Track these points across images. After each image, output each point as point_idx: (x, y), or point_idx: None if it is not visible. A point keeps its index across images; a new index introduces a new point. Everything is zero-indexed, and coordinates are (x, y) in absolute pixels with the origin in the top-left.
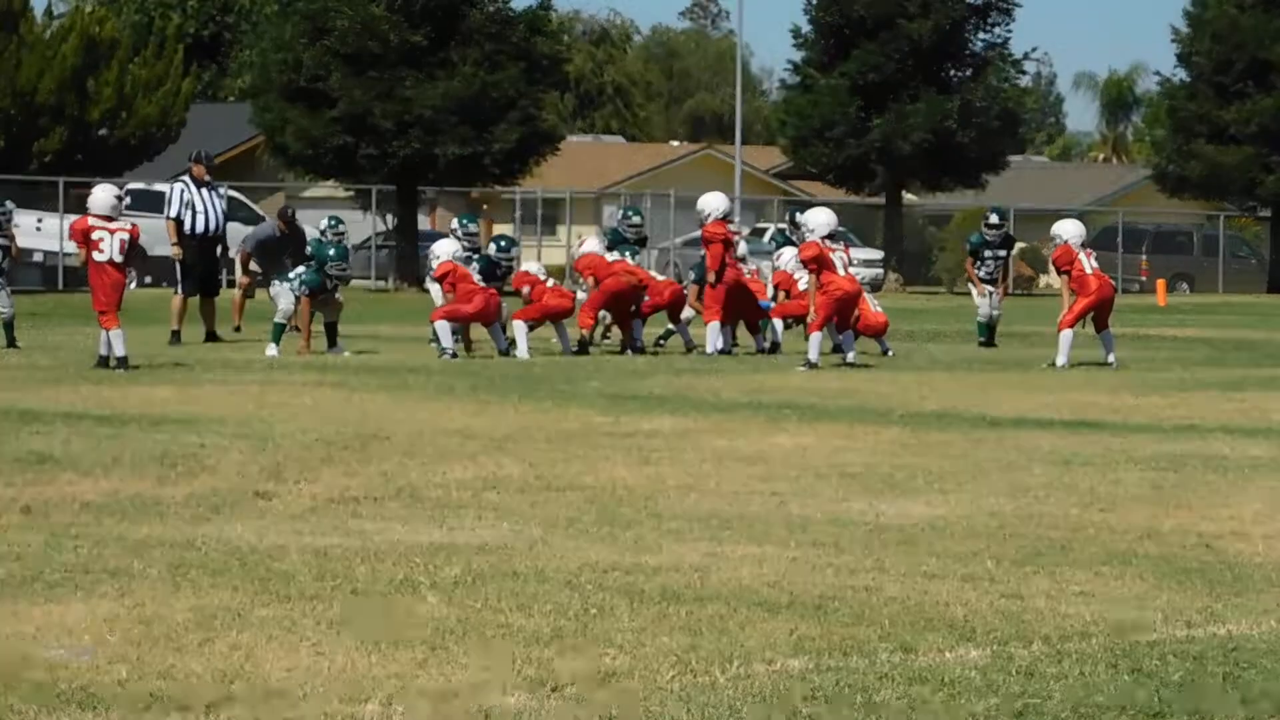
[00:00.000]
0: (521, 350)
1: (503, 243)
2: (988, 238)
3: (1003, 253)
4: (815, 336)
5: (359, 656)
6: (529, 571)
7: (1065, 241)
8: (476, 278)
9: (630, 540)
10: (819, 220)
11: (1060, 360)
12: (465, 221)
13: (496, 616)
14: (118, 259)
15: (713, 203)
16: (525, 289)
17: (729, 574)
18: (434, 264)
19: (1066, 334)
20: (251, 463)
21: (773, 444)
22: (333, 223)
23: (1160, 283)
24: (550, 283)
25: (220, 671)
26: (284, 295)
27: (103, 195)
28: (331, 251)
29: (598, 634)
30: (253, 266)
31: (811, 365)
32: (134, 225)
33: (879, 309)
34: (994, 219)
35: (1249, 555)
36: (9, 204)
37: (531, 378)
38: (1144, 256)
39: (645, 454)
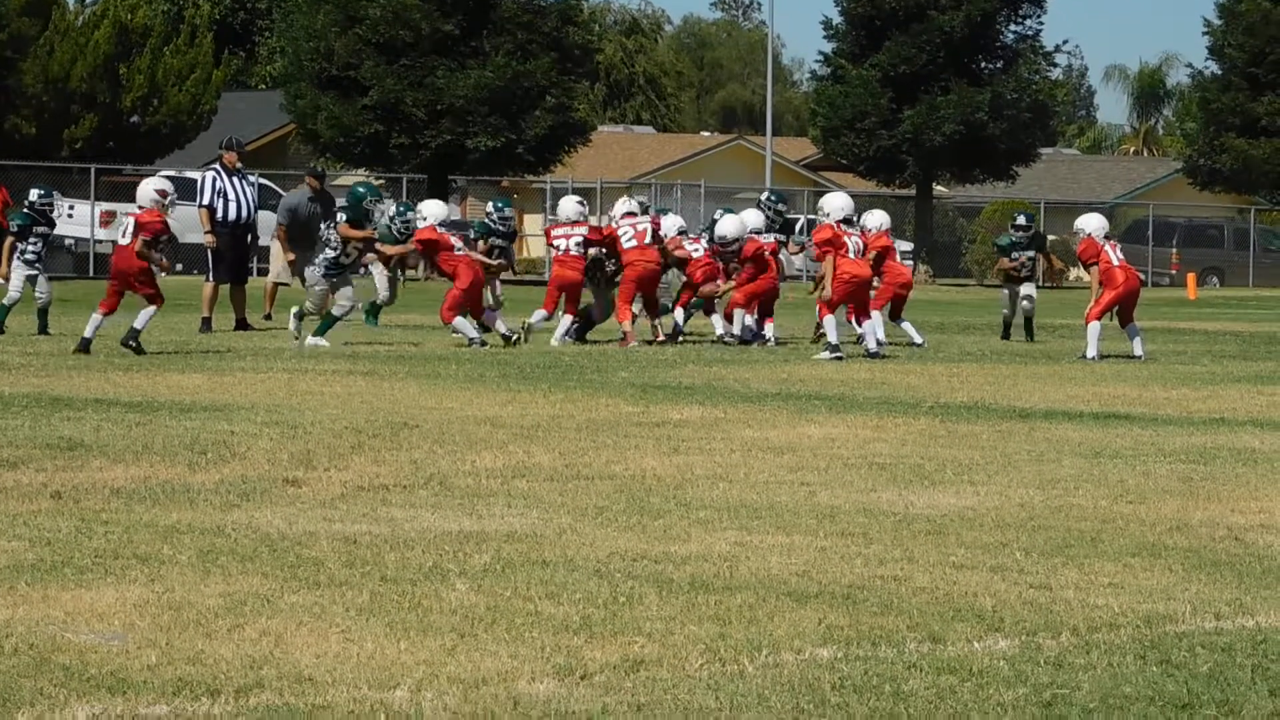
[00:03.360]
0: (556, 334)
1: (499, 204)
2: (1015, 239)
3: (1031, 253)
4: (829, 320)
5: (388, 643)
6: (558, 560)
7: (1089, 235)
8: (455, 243)
9: (659, 529)
10: (835, 204)
11: (1090, 352)
12: (501, 206)
13: (525, 604)
14: (124, 241)
15: (834, 203)
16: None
17: (758, 563)
18: (418, 224)
19: (1094, 326)
20: (281, 450)
21: (802, 434)
22: (401, 210)
23: (1190, 276)
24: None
25: (249, 657)
26: (318, 286)
27: (144, 189)
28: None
29: (626, 622)
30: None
31: (834, 349)
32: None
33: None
34: (1021, 220)
35: (1278, 548)
36: (53, 192)
37: (561, 367)
38: (1174, 250)
39: (675, 443)
